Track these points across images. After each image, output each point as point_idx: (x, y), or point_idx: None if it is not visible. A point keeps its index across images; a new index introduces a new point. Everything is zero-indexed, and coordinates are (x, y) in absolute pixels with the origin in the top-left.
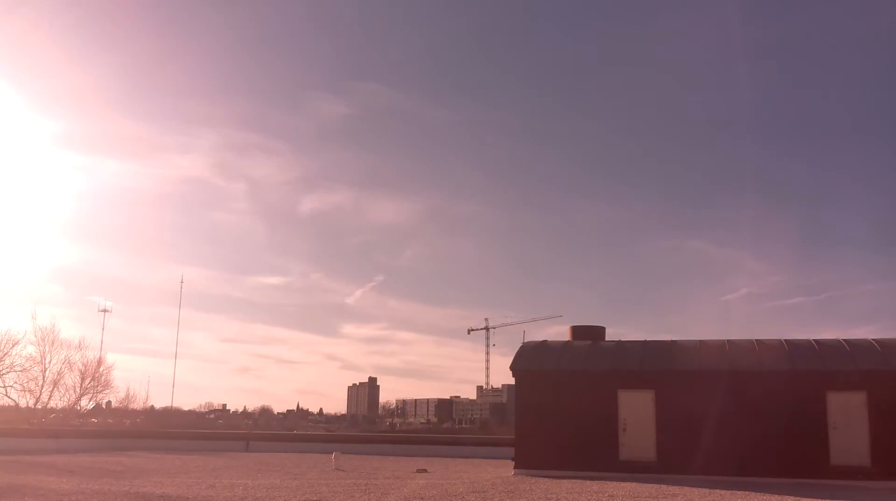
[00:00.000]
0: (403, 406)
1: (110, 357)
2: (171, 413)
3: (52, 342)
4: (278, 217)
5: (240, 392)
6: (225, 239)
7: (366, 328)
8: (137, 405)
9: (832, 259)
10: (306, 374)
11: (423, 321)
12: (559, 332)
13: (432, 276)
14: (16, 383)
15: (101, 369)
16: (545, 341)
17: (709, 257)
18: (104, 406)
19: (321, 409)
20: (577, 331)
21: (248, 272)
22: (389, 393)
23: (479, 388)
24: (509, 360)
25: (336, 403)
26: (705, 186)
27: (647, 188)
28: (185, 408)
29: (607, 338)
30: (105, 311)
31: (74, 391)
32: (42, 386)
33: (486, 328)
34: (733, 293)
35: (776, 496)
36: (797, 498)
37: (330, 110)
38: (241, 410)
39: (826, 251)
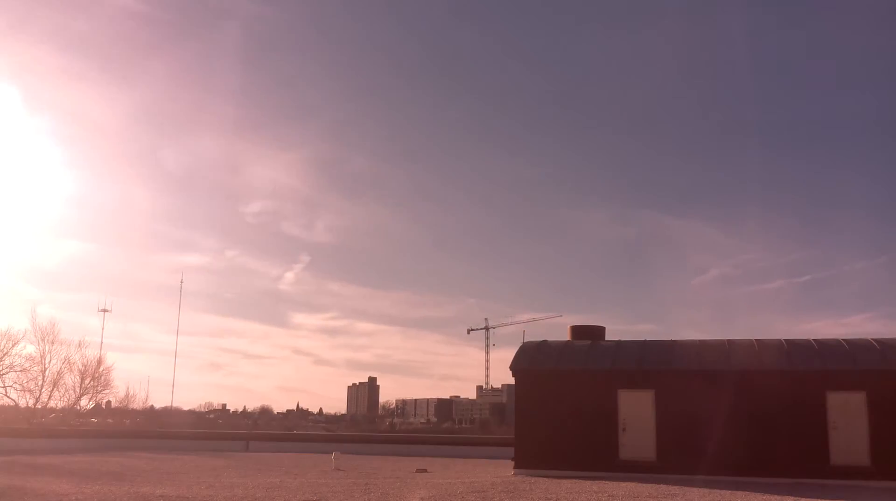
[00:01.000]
0: (403, 406)
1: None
2: (170, 413)
3: (52, 342)
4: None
5: (224, 391)
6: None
7: (316, 318)
8: (137, 404)
9: (813, 232)
10: (282, 370)
11: (377, 309)
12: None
13: (362, 254)
14: (15, 383)
15: (100, 368)
16: (545, 341)
17: (665, 229)
18: (104, 406)
19: (321, 409)
20: (577, 331)
21: (149, 249)
22: (383, 392)
23: (479, 388)
24: (509, 360)
25: (336, 403)
26: (654, 145)
27: (583, 145)
28: (185, 408)
29: (607, 337)
30: (105, 311)
31: (74, 390)
32: (42, 386)
33: (486, 328)
34: (703, 275)
35: (776, 496)
36: (797, 498)
37: None
38: (240, 410)
39: (805, 223)
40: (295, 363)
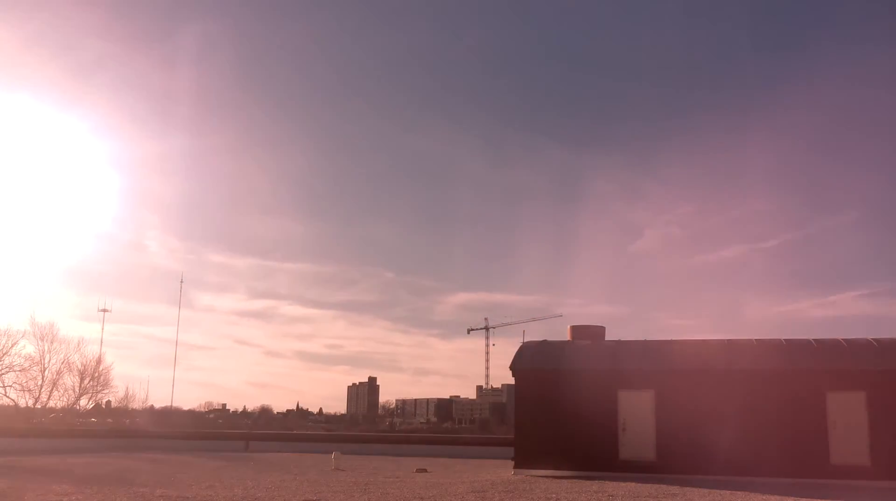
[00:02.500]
0: (403, 406)
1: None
2: (170, 413)
3: (52, 342)
4: None
5: (195, 387)
6: None
7: (227, 300)
8: (137, 404)
9: (764, 181)
10: (239, 363)
11: (294, 290)
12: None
13: (241, 220)
14: (15, 382)
15: (100, 368)
16: (545, 340)
17: (570, 168)
18: (103, 406)
19: (321, 409)
20: (577, 331)
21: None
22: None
23: (479, 388)
24: (509, 360)
25: (336, 403)
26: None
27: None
28: (185, 408)
29: (607, 337)
30: (104, 310)
31: (74, 390)
32: (41, 386)
33: (486, 328)
34: (639, 240)
35: (776, 496)
36: (797, 498)
37: None
38: (240, 409)
39: (753, 169)
40: (248, 355)
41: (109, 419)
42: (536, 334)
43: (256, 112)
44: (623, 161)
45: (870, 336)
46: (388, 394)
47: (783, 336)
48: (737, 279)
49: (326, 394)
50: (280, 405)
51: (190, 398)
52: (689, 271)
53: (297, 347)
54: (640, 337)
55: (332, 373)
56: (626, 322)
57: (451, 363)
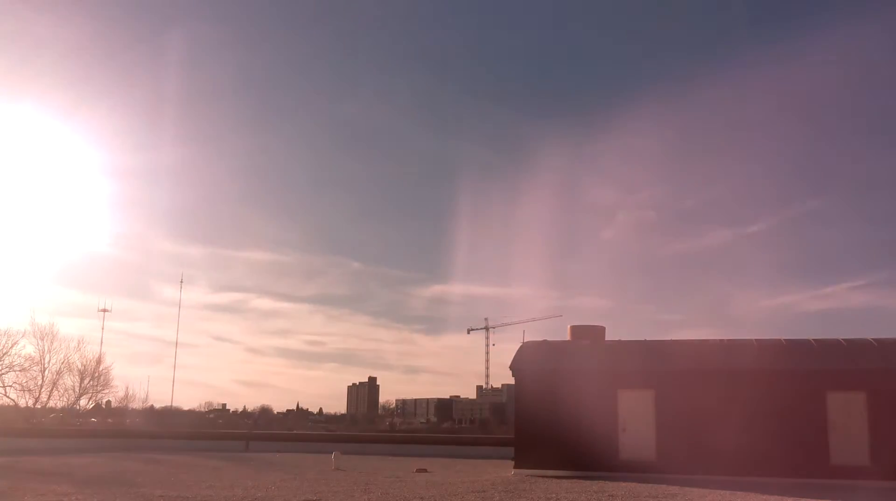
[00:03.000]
0: (403, 406)
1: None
2: (170, 413)
3: (52, 342)
4: None
5: (183, 386)
6: None
7: (191, 292)
8: (137, 404)
9: (757, 155)
10: (222, 361)
11: (260, 282)
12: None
13: (187, 206)
14: (15, 382)
15: (100, 368)
16: (545, 340)
17: (523, 139)
18: (103, 406)
19: (321, 409)
20: (577, 331)
21: None
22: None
23: (479, 388)
24: (509, 360)
25: (336, 403)
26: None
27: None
28: (185, 408)
29: (607, 337)
30: (104, 310)
31: (74, 390)
32: (41, 386)
33: (486, 328)
34: (611, 225)
35: (776, 496)
36: (797, 498)
37: None
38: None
39: (739, 141)
40: (230, 352)
41: (110, 419)
42: (536, 334)
43: (198, 100)
44: (583, 133)
45: (869, 332)
46: (382, 394)
47: (779, 332)
48: (723, 269)
49: (318, 393)
50: (274, 404)
51: (180, 398)
52: (670, 259)
53: (277, 343)
54: (631, 333)
55: (321, 372)
56: (612, 317)
57: (440, 361)
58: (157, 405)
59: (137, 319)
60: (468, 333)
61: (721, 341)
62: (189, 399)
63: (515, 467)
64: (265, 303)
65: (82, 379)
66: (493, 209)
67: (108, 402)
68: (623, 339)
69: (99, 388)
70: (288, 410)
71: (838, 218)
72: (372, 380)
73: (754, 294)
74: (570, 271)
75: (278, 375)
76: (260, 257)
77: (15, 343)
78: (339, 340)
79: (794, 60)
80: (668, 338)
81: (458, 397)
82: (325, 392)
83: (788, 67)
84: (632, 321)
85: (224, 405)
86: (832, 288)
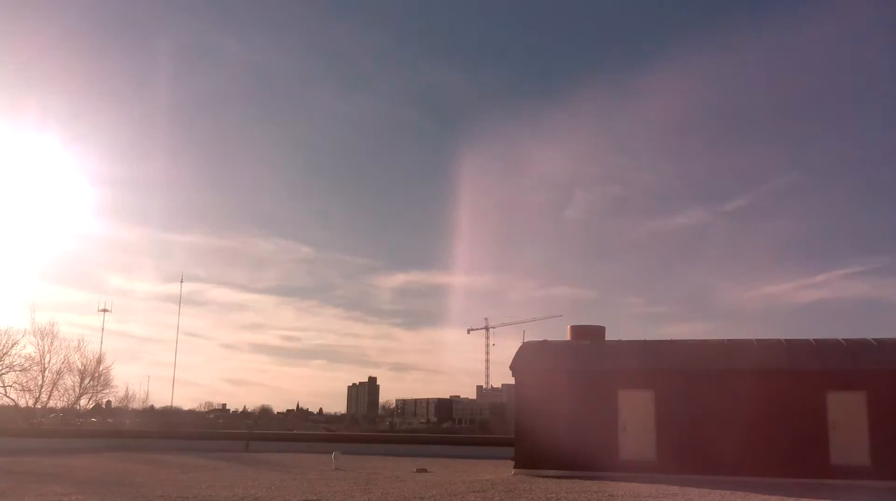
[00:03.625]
0: (403, 406)
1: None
2: (170, 413)
3: (52, 342)
4: None
5: (168, 385)
6: None
7: (140, 282)
8: (137, 404)
9: (731, 125)
10: (201, 358)
11: (212, 270)
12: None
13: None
14: (15, 382)
15: (100, 368)
16: (545, 340)
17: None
18: (104, 406)
19: (321, 409)
20: (577, 331)
21: None
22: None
23: (479, 388)
24: (509, 360)
25: (336, 403)
26: None
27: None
28: (186, 408)
29: (607, 337)
30: (104, 310)
31: (74, 390)
32: (42, 386)
33: (486, 328)
34: (573, 203)
35: (776, 496)
36: (797, 499)
37: None
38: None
39: (709, 109)
40: (205, 348)
41: (110, 420)
42: (536, 334)
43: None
44: (531, 96)
45: (866, 328)
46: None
47: (767, 326)
48: (703, 254)
49: (308, 391)
50: (266, 403)
51: (159, 396)
52: (643, 243)
53: (252, 339)
54: (616, 327)
55: (308, 369)
56: (593, 310)
57: (427, 358)
58: (143, 406)
59: (90, 313)
60: (468, 333)
61: (721, 341)
62: (180, 398)
63: (515, 467)
64: (224, 294)
65: (82, 379)
66: (445, 187)
67: (109, 402)
68: (616, 337)
69: (99, 388)
70: (288, 410)
71: (825, 195)
72: (372, 380)
73: (739, 284)
74: (538, 257)
75: (264, 373)
76: (197, 242)
77: (15, 343)
78: (316, 335)
79: (782, 29)
80: (658, 331)
81: (458, 397)
82: (314, 390)
83: (776, 37)
84: (613, 313)
85: (224, 405)
86: (824, 276)
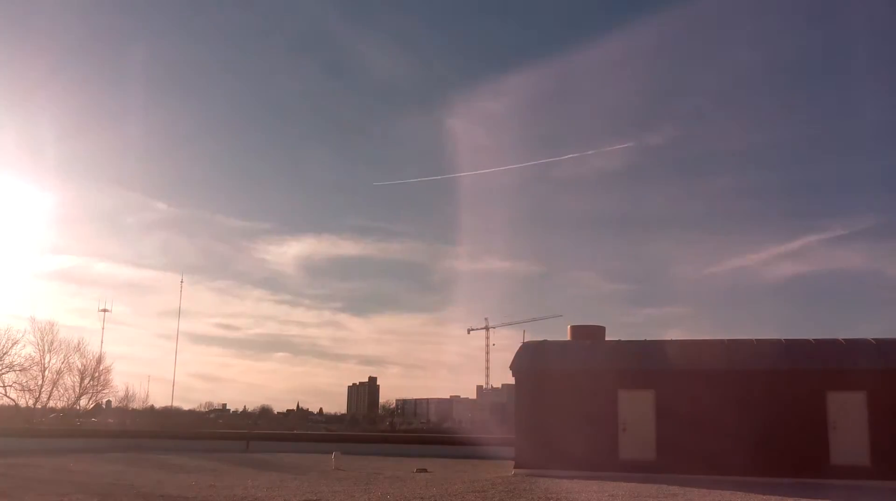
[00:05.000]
0: (403, 406)
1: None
2: (171, 413)
3: (52, 342)
4: None
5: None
6: None
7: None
8: (137, 404)
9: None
10: (146, 350)
11: (78, 239)
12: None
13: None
14: (15, 382)
15: (100, 368)
16: (545, 340)
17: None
18: (104, 406)
19: (321, 409)
20: (577, 331)
21: None
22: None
23: (479, 388)
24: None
25: (336, 403)
26: None
27: None
28: (186, 408)
29: (607, 337)
30: (105, 310)
31: (74, 390)
32: (42, 386)
33: (486, 328)
34: (481, 150)
35: (776, 496)
36: (797, 499)
37: None
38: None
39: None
40: (139, 338)
41: (110, 420)
42: (535, 334)
43: None
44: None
45: (854, 313)
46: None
47: (739, 308)
48: (659, 225)
49: (281, 388)
50: (236, 399)
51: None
52: (571, 200)
53: (185, 328)
54: (579, 309)
55: (276, 363)
56: (545, 285)
57: (390, 348)
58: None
59: None
60: (468, 333)
61: (721, 341)
62: (153, 396)
63: (515, 467)
64: (115, 270)
65: (82, 379)
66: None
67: (108, 402)
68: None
69: (99, 388)
70: (288, 410)
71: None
72: (372, 380)
73: (702, 253)
74: (464, 221)
75: (229, 367)
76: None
77: (15, 343)
78: (253, 322)
79: None
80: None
81: (458, 397)
82: (291, 387)
83: None
84: (570, 292)
85: (224, 405)
86: (800, 242)
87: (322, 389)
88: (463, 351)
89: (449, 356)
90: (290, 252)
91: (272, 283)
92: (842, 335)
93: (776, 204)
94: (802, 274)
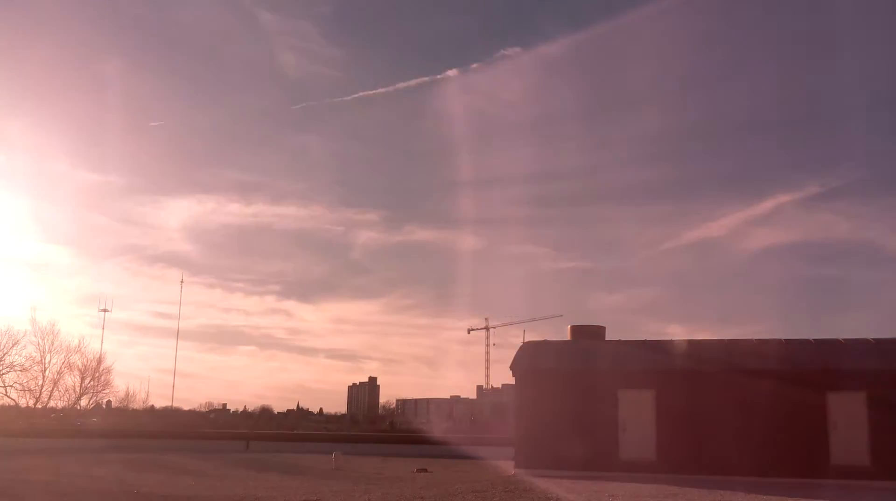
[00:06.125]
0: (403, 406)
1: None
2: (171, 413)
3: (52, 342)
4: None
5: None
6: None
7: None
8: (137, 404)
9: None
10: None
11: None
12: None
13: None
14: (16, 382)
15: (100, 368)
16: (545, 340)
17: None
18: (104, 406)
19: (321, 409)
20: (577, 331)
21: None
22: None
23: (479, 388)
24: (509, 360)
25: (336, 403)
26: None
27: None
28: (186, 408)
29: (607, 337)
30: (105, 310)
31: (74, 390)
32: (42, 386)
33: (486, 328)
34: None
35: (776, 496)
36: (797, 499)
37: None
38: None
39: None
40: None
41: (111, 420)
42: (535, 334)
43: None
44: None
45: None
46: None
47: (708, 290)
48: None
49: (261, 384)
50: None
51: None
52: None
53: (122, 318)
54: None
55: (245, 357)
56: (482, 259)
57: (353, 340)
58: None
59: None
60: (468, 333)
61: (721, 341)
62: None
63: (515, 467)
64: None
65: (83, 379)
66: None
67: (109, 402)
68: (624, 338)
69: (99, 388)
70: (288, 410)
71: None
72: (372, 380)
73: (652, 229)
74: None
75: (193, 362)
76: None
77: (16, 343)
78: (192, 310)
79: None
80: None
81: (458, 397)
82: (271, 384)
83: None
84: (507, 267)
85: (224, 405)
86: (765, 204)
87: (304, 386)
88: (439, 345)
89: (438, 352)
90: (179, 209)
91: (172, 258)
92: (838, 326)
93: (733, 155)
94: (777, 245)
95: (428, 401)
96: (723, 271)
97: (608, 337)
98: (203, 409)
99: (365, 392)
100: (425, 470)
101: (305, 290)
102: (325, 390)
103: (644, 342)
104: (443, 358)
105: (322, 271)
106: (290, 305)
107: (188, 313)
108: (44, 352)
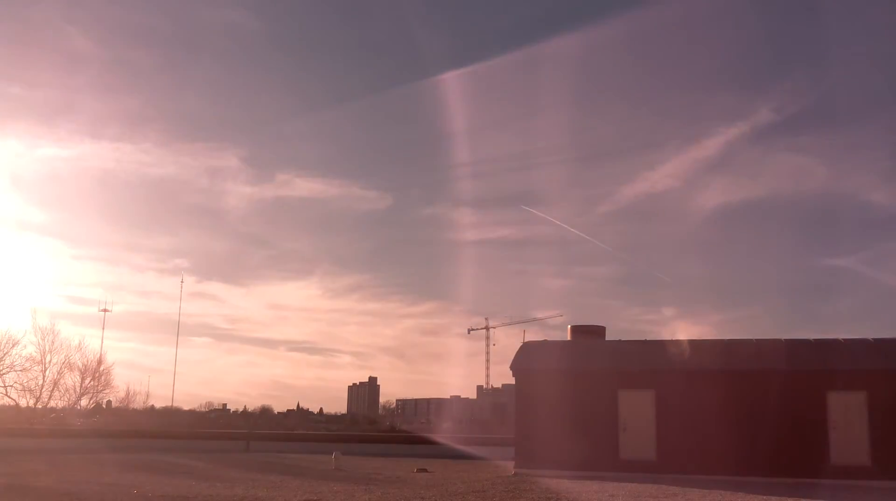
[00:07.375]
0: (403, 406)
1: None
2: (171, 413)
3: (52, 342)
4: None
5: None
6: None
7: None
8: (138, 404)
9: None
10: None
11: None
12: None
13: None
14: (16, 383)
15: (101, 368)
16: (545, 340)
17: None
18: (104, 406)
19: (321, 409)
20: (577, 331)
21: None
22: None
23: (480, 388)
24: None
25: (336, 403)
26: None
27: None
28: (186, 408)
29: (608, 337)
30: (105, 310)
31: (74, 390)
32: (42, 386)
33: (486, 328)
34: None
35: (776, 496)
36: (797, 499)
37: None
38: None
39: None
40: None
41: (111, 420)
42: (536, 334)
43: None
44: None
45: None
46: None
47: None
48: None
49: (240, 380)
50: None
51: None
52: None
53: (68, 308)
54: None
55: (203, 350)
56: (391, 219)
57: (301, 330)
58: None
59: None
60: (469, 333)
61: (721, 341)
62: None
63: (515, 467)
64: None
65: (83, 379)
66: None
67: (109, 402)
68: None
69: (100, 388)
70: (289, 410)
71: None
72: (372, 380)
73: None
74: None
75: (152, 356)
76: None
77: (16, 343)
78: (133, 299)
79: None
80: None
81: (458, 397)
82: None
83: None
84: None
85: (224, 405)
86: (716, 141)
87: (282, 382)
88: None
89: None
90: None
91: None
92: (837, 326)
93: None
94: (731, 203)
95: (428, 401)
96: (669, 232)
97: (608, 337)
98: (203, 409)
99: (365, 392)
100: (425, 470)
101: (238, 273)
102: (307, 388)
103: (644, 341)
104: (447, 358)
105: (219, 249)
106: (216, 288)
107: (116, 297)
108: (44, 352)
